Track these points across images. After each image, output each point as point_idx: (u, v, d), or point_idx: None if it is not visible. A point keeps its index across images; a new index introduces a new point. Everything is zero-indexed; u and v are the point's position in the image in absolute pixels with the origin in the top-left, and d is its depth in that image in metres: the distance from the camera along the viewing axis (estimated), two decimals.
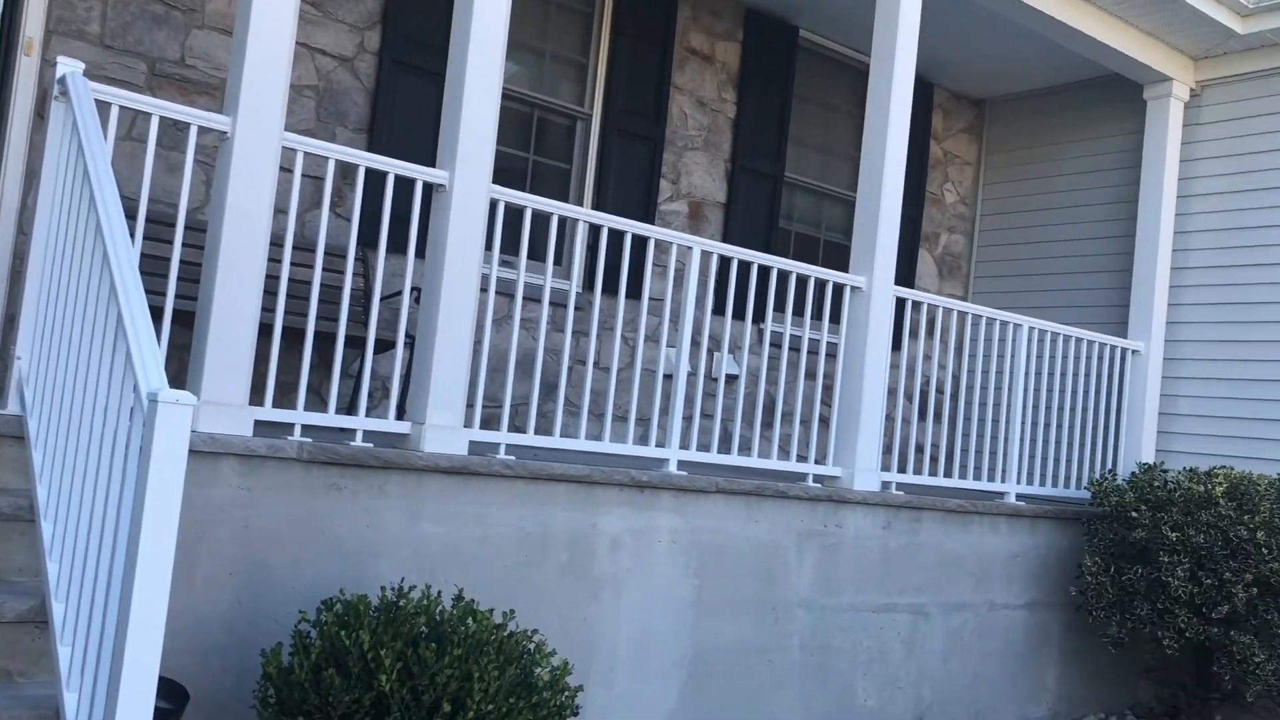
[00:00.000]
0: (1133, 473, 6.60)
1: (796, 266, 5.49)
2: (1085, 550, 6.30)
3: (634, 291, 6.96)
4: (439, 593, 3.54)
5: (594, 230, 6.57)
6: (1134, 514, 6.03)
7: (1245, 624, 5.72)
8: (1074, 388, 6.92)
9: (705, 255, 6.58)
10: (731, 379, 7.10)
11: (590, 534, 4.69)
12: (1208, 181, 7.30)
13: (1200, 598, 5.73)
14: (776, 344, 7.41)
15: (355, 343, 5.43)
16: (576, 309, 6.74)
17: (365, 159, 4.22)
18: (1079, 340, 6.88)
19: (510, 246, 6.54)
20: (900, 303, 6.40)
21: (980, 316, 6.33)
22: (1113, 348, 7.13)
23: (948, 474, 6.34)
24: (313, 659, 3.19)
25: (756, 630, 5.21)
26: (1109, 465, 7.04)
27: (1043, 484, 6.68)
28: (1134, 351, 7.23)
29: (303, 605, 3.84)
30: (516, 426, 6.50)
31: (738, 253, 5.30)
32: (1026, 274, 8.32)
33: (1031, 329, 6.57)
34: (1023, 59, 7.99)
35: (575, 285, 4.90)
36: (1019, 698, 6.34)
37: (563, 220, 6.41)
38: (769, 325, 5.47)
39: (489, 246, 4.55)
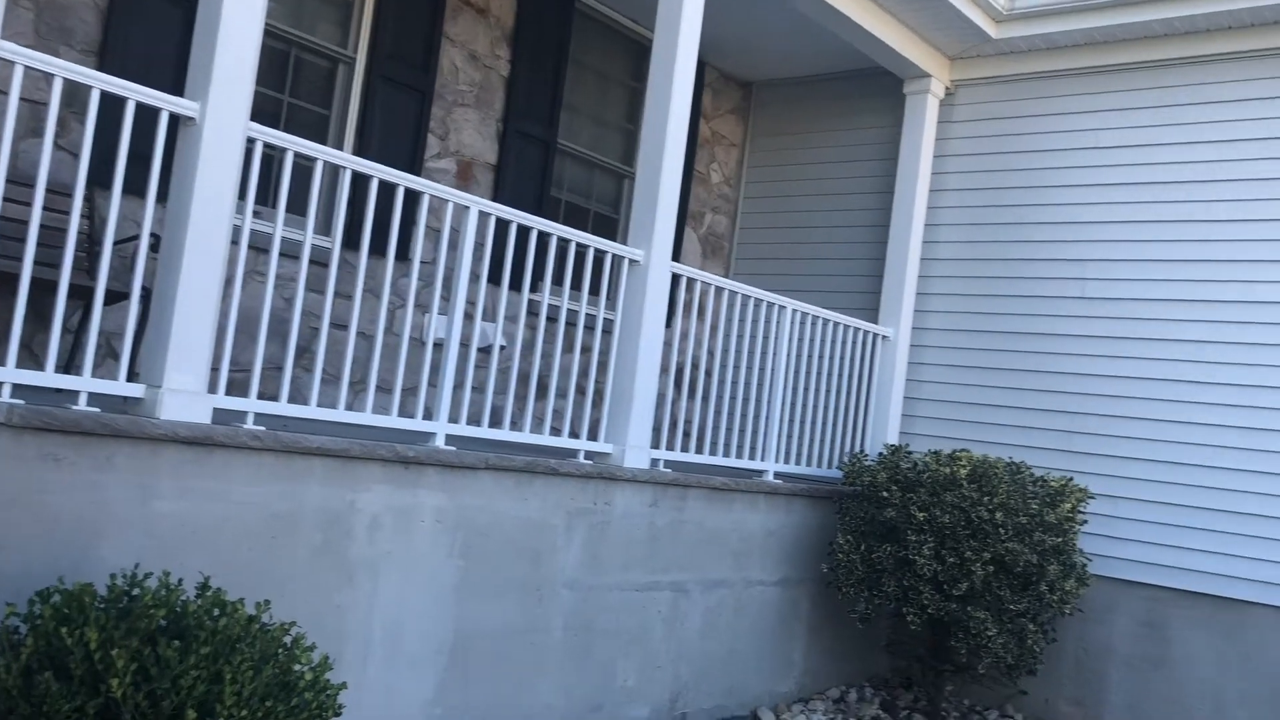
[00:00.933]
0: (880, 454, 6.83)
1: (579, 236, 5.29)
2: (838, 529, 6.47)
3: (403, 253, 6.55)
4: (180, 580, 3.11)
5: (361, 183, 6.10)
6: (885, 494, 6.22)
7: (981, 600, 6.02)
8: (830, 370, 7.09)
9: (483, 217, 6.25)
10: (498, 350, 6.83)
11: (348, 513, 4.32)
12: (957, 177, 7.64)
13: (943, 575, 5.98)
14: (546, 315, 7.18)
15: (80, 293, 4.79)
16: (338, 268, 6.26)
17: (102, 81, 3.66)
18: (836, 324, 7.05)
19: (264, 196, 5.98)
20: (675, 279, 6.32)
21: (749, 297, 6.34)
22: (865, 333, 7.35)
23: (712, 452, 6.37)
24: (23, 660, 2.71)
25: (521, 613, 5.00)
26: (860, 446, 7.28)
27: (799, 463, 6.80)
28: (884, 337, 7.49)
29: (10, 596, 3.29)
30: (267, 394, 5.97)
31: (518, 216, 5.03)
32: (786, 257, 8.47)
33: (794, 311, 6.66)
34: (792, 44, 8.10)
35: (337, 243, 4.48)
36: (769, 673, 6.44)
37: (325, 169, 5.92)
38: (545, 296, 5.24)
39: (243, 194, 4.07)
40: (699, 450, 6.24)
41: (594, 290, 5.79)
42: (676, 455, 5.89)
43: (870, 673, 7.31)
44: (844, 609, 6.88)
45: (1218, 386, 6.44)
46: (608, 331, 5.88)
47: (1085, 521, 6.47)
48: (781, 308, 6.58)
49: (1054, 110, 7.27)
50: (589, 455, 5.47)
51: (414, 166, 6.78)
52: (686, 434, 6.43)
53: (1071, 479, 6.34)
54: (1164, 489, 6.53)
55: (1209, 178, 6.65)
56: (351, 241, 6.33)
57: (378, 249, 6.32)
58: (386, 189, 5.42)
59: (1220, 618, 6.30)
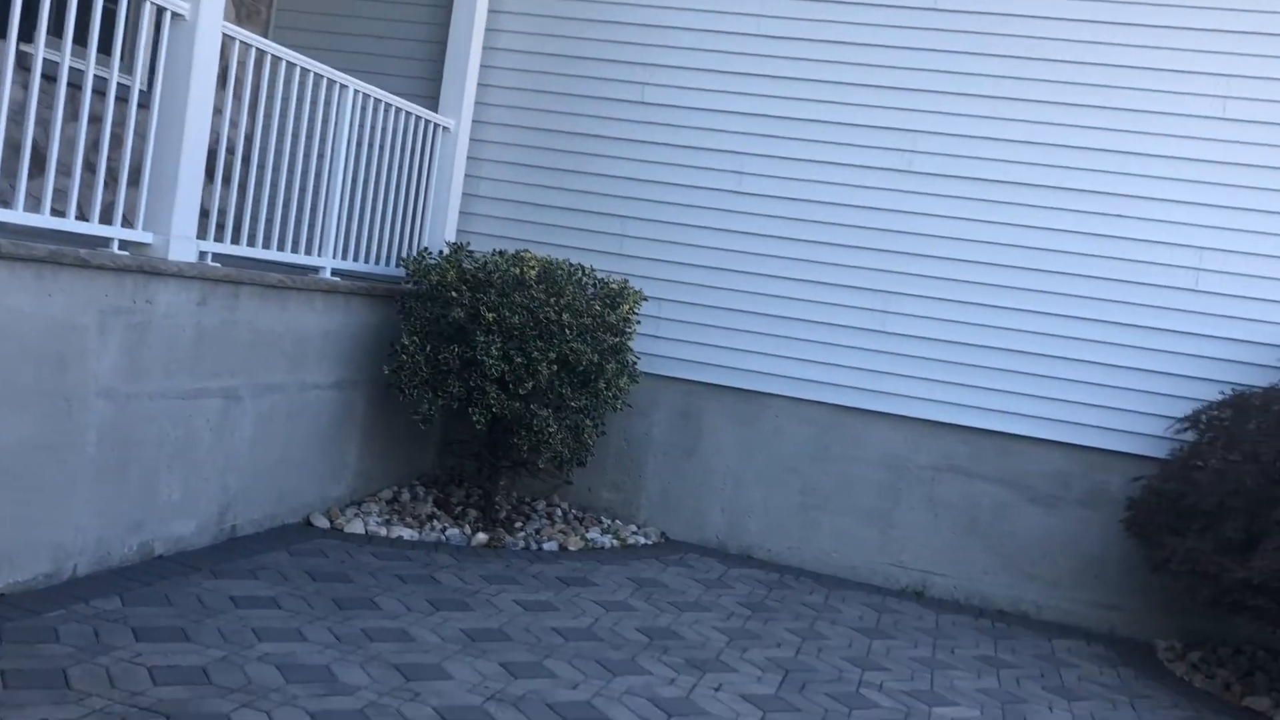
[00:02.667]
0: (442, 252, 6.59)
1: None
2: (402, 329, 6.19)
3: None
4: None
5: None
6: (454, 294, 6.03)
7: (545, 399, 6.11)
8: (390, 162, 6.63)
9: None
10: None
11: None
12: None
13: (510, 375, 5.96)
14: (43, 73, 5.95)
15: None
16: None
17: None
18: (399, 111, 6.57)
19: None
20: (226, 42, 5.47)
21: (309, 72, 5.68)
22: (426, 122, 6.94)
23: (265, 245, 5.73)
24: None
25: (46, 426, 4.25)
26: (419, 244, 6.96)
27: (359, 260, 6.37)
28: (444, 128, 7.13)
29: None
30: None
31: None
32: (340, 32, 7.70)
33: (357, 92, 6.10)
34: None
35: None
36: (321, 478, 6.15)
37: None
38: (40, 49, 4.27)
39: None
40: (251, 244, 5.59)
41: (104, 49, 4.83)
42: (227, 248, 5.24)
43: (419, 472, 7.26)
44: (402, 411, 6.70)
45: (753, 197, 6.88)
46: (123, 99, 4.93)
47: (640, 323, 6.74)
48: (343, 87, 5.98)
49: None
50: (126, 246, 4.68)
51: None
52: (237, 226, 5.72)
53: (627, 281, 6.53)
54: (701, 292, 6.95)
55: None
56: None
57: None
58: None
59: (743, 409, 6.93)
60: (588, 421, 6.29)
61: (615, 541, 6.70)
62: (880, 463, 6.73)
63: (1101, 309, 6.37)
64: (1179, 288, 6.30)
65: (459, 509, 6.70)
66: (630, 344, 6.51)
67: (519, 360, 5.94)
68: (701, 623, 5.33)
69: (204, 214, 5.22)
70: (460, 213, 7.31)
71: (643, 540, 6.84)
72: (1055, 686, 5.21)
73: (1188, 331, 6.26)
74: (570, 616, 5.10)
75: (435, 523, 6.36)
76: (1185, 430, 6.02)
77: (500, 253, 6.34)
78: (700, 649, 4.92)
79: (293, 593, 4.79)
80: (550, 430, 6.05)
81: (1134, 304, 6.34)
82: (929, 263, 6.61)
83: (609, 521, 7.06)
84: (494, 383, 6.01)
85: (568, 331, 6.03)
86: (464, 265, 6.25)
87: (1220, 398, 5.99)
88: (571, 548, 6.44)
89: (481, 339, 5.93)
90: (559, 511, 7.06)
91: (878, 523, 6.73)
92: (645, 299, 6.71)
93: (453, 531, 6.22)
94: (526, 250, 6.41)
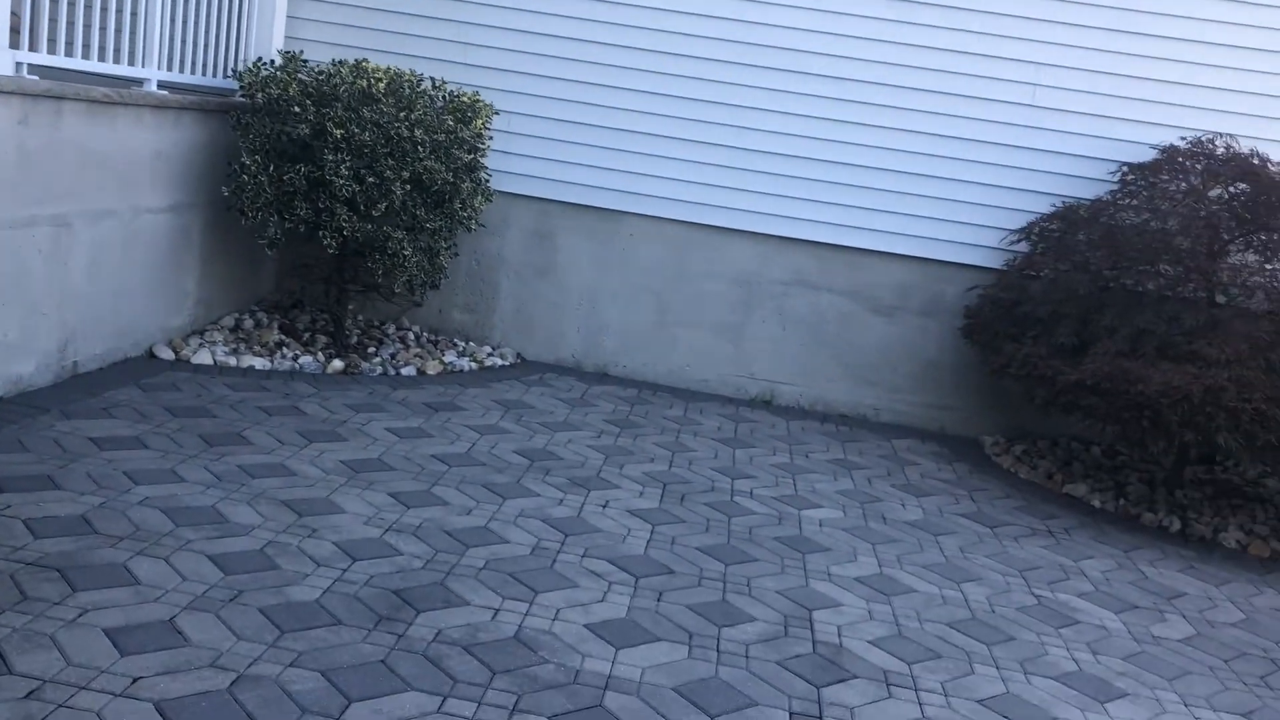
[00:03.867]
0: (274, 62, 6.12)
1: None
2: (241, 147, 5.78)
3: None
4: None
5: None
6: (298, 109, 5.64)
7: (399, 220, 5.88)
8: None
9: None
10: None
11: None
12: None
13: (362, 196, 5.70)
14: None
15: None
16: None
17: None
18: None
19: None
20: None
21: None
22: None
23: (85, 55, 5.13)
24: None
25: None
26: (247, 51, 6.43)
27: (187, 71, 5.83)
28: None
29: None
30: None
31: None
32: None
33: None
34: None
35: None
36: (162, 308, 5.80)
37: None
38: None
39: None
40: (70, 54, 5.02)
41: None
42: (44, 59, 4.70)
43: (258, 298, 6.95)
44: (241, 234, 6.33)
45: (608, 4, 6.63)
46: None
47: (493, 139, 6.50)
48: None
49: None
50: None
51: None
52: (53, 35, 5.11)
53: (479, 94, 6.26)
54: (557, 105, 6.75)
55: None
56: None
57: None
58: None
59: (599, 227, 6.89)
60: (443, 243, 6.12)
61: (473, 364, 6.66)
62: (734, 279, 6.86)
63: (943, 124, 6.55)
64: (1016, 103, 6.52)
65: (307, 336, 6.47)
66: (484, 161, 6.30)
67: (371, 180, 5.67)
68: (575, 442, 5.41)
69: (14, 26, 4.63)
70: (288, 17, 6.77)
71: (499, 361, 6.82)
72: (903, 484, 5.60)
73: (1023, 146, 6.53)
74: (446, 443, 5.08)
75: (285, 350, 6.14)
76: (1019, 242, 6.36)
77: (341, 63, 5.94)
78: (580, 468, 5.02)
79: (156, 431, 4.58)
80: (405, 253, 5.86)
81: (973, 119, 6.54)
82: (784, 77, 6.60)
83: (464, 344, 6.98)
84: (345, 204, 5.73)
85: (421, 149, 5.77)
86: (302, 77, 5.84)
87: (1052, 210, 6.34)
88: (430, 372, 6.36)
89: (330, 158, 5.61)
90: (410, 335, 6.93)
91: (731, 337, 6.91)
92: (497, 113, 6.46)
93: (306, 360, 6.02)
94: (366, 60, 6.02)
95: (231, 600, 3.25)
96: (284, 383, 5.63)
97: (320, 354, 6.19)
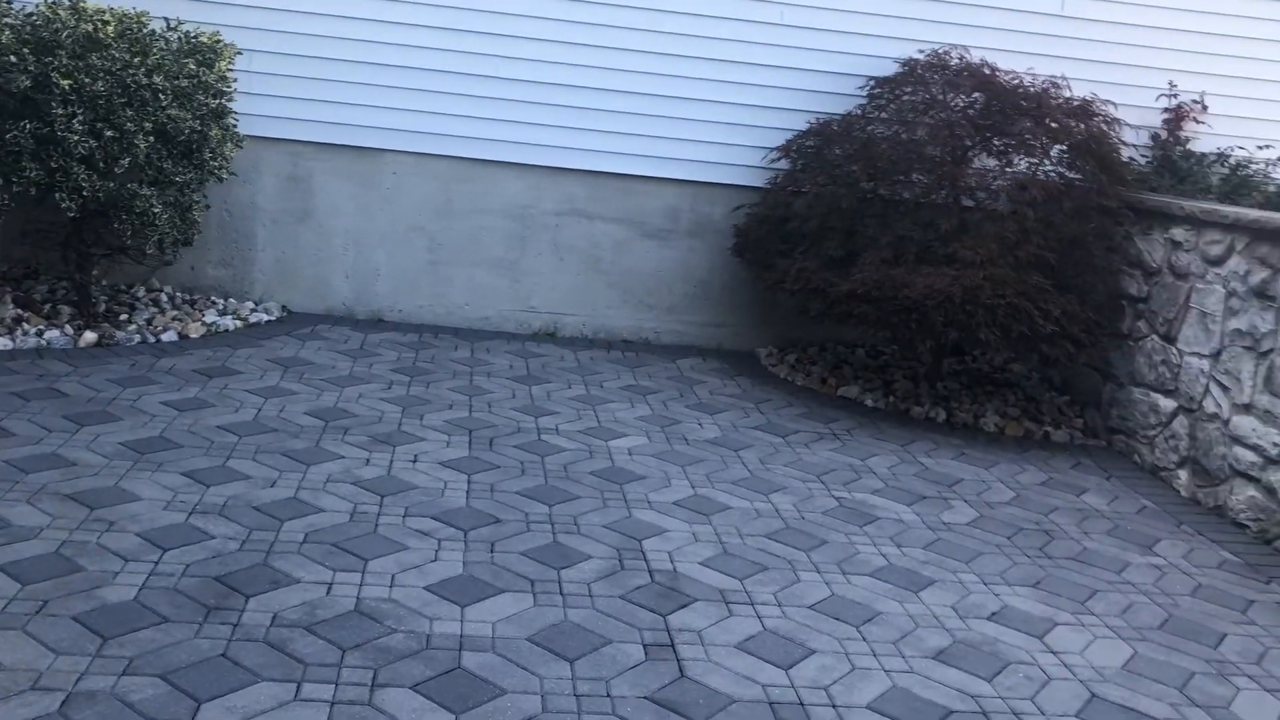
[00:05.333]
0: None
1: None
2: None
3: None
4: None
5: None
6: (13, 58, 5.04)
7: (144, 175, 5.41)
8: None
9: None
10: None
11: None
12: None
13: (101, 152, 5.19)
14: None
15: None
16: None
17: None
18: None
19: None
20: None
21: None
22: None
23: None
24: None
25: None
26: None
27: None
28: None
29: None
30: None
31: None
32: None
33: None
34: None
35: None
36: None
37: None
38: None
39: None
40: None
41: None
42: None
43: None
44: None
45: None
46: None
47: (237, 80, 6.06)
48: None
49: None
50: None
51: None
52: None
53: (219, 34, 5.81)
54: (300, 40, 6.36)
55: None
56: None
57: None
58: None
59: (359, 167, 6.59)
60: (194, 197, 5.70)
61: (237, 322, 6.28)
62: (506, 213, 6.75)
63: (701, 46, 6.64)
64: (767, 22, 6.68)
65: (47, 307, 5.90)
66: (230, 105, 5.87)
67: (110, 135, 5.18)
68: (367, 396, 5.23)
69: None
70: None
71: (265, 317, 6.46)
72: (696, 404, 5.76)
73: (778, 65, 6.72)
74: (230, 411, 4.79)
75: (25, 326, 5.58)
76: (780, 160, 6.57)
77: (54, 4, 5.35)
78: (379, 424, 4.86)
79: None
80: (155, 211, 5.42)
81: (728, 39, 6.66)
82: (545, 4, 6.47)
83: (223, 301, 6.56)
84: (81, 162, 5.21)
85: (162, 97, 5.31)
86: (10, 22, 5.22)
87: (807, 127, 6.58)
88: (193, 335, 5.95)
89: (59, 112, 5.07)
90: (164, 297, 6.44)
91: (508, 272, 6.82)
92: (239, 53, 6.02)
93: (53, 334, 5.50)
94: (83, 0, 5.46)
95: (38, 612, 2.97)
96: (32, 362, 5.12)
97: (68, 326, 5.67)
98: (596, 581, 3.58)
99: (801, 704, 3.01)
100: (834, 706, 3.02)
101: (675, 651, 3.20)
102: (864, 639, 3.42)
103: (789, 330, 7.03)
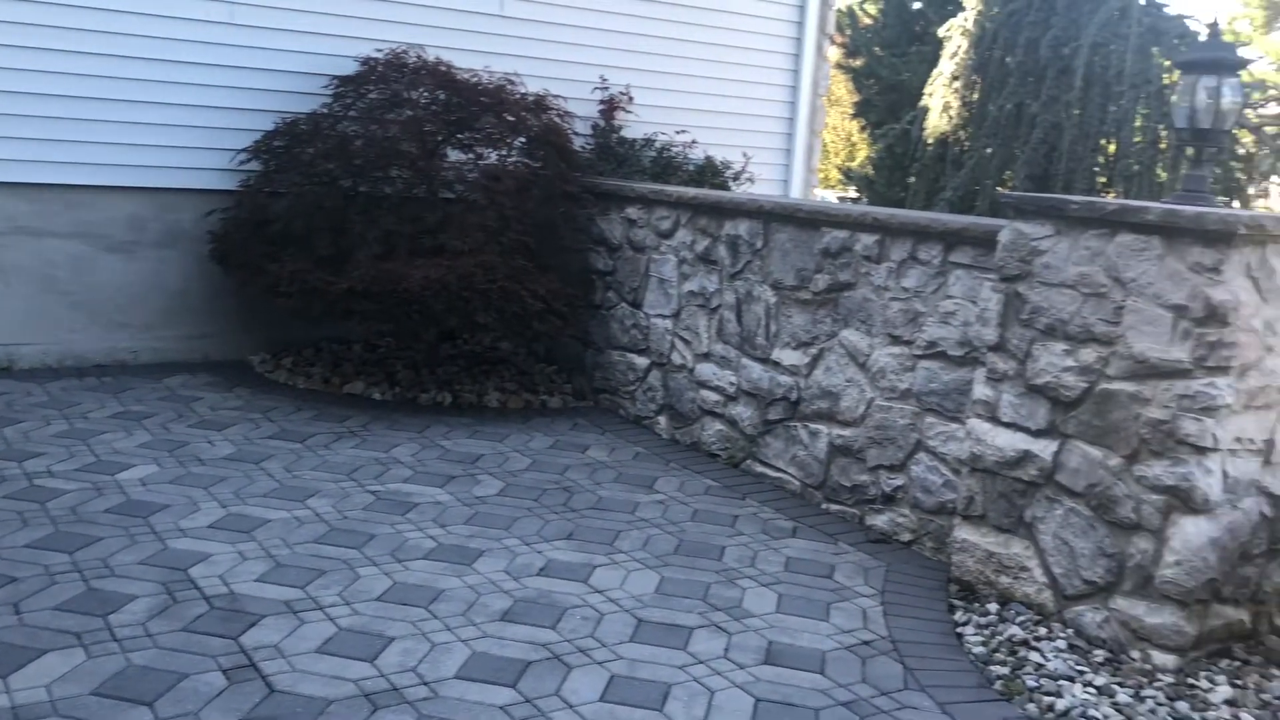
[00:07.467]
0: None
1: None
2: None
3: None
4: None
5: None
6: None
7: None
8: None
9: None
10: None
11: None
12: None
13: None
14: None
15: None
16: None
17: None
18: None
19: None
20: None
21: None
22: None
23: None
24: None
25: None
26: None
27: None
28: None
29: None
30: None
31: None
32: None
33: None
34: None
35: None
36: None
37: None
38: None
39: None
40: None
41: None
42: None
43: None
44: None
45: None
46: None
47: None
48: None
49: None
50: None
51: None
52: None
53: None
54: None
55: None
56: None
57: None
58: None
59: None
60: None
61: None
62: None
63: (150, 47, 6.26)
64: (216, 22, 6.46)
65: None
66: None
67: None
68: None
69: None
70: None
71: None
72: (199, 422, 5.50)
73: (234, 65, 6.51)
74: None
75: None
76: (250, 161, 6.40)
77: None
78: None
79: None
80: None
81: (179, 40, 6.35)
82: None
83: None
84: None
85: None
86: None
87: (274, 127, 6.47)
88: None
89: None
90: None
91: None
92: None
93: None
94: None
95: None
96: None
97: None
98: (151, 620, 3.38)
99: (395, 689, 3.12)
100: (426, 684, 3.16)
101: (258, 669, 3.14)
102: (435, 617, 3.59)
103: (279, 333, 6.90)
